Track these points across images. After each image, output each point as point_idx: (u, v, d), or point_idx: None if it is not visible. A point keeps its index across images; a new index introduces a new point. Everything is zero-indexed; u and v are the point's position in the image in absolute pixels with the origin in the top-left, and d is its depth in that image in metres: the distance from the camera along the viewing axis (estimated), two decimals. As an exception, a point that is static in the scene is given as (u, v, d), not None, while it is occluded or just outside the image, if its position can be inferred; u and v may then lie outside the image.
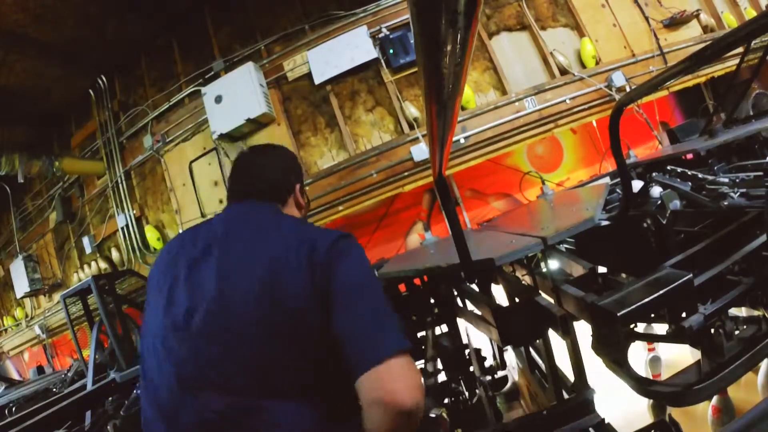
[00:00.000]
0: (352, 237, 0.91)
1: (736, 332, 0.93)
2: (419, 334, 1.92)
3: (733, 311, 0.98)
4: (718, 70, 3.34)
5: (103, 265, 3.84)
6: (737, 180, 1.62)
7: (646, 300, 0.83)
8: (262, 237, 0.89)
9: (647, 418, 1.99)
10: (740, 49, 2.47)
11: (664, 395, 0.90)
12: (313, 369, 0.80)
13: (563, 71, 3.17)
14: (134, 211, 3.70)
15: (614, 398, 1.97)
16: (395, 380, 0.71)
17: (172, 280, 0.89)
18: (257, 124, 3.22)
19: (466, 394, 1.72)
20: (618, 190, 2.12)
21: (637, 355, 2.48)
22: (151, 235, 3.59)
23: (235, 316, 0.80)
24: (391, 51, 3.12)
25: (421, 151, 3.00)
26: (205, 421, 0.76)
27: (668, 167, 2.03)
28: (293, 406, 0.77)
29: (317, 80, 3.21)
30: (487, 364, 1.93)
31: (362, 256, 0.89)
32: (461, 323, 1.90)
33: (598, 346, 1.02)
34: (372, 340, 0.75)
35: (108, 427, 1.72)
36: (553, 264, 1.44)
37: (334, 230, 0.93)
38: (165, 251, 0.98)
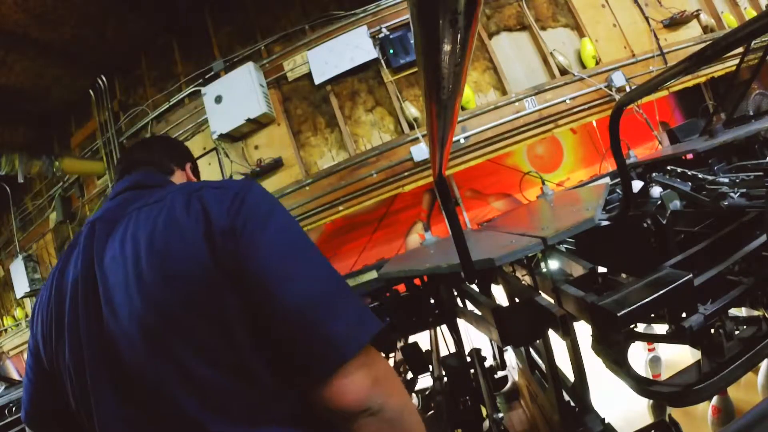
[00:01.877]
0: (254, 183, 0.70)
1: (736, 332, 0.93)
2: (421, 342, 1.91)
3: (733, 311, 0.98)
4: (718, 70, 3.34)
5: (103, 265, 3.83)
6: (737, 180, 1.62)
7: (646, 300, 0.83)
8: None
9: (647, 418, 1.99)
10: (740, 49, 2.47)
11: (664, 395, 0.90)
12: None
13: (563, 71, 3.17)
14: (134, 211, 3.70)
15: (614, 398, 1.97)
16: (361, 388, 0.57)
17: None
18: (257, 124, 3.22)
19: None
20: (618, 190, 2.12)
21: (637, 355, 2.48)
22: (151, 235, 3.59)
23: None
24: (391, 51, 3.12)
25: (421, 151, 3.00)
26: None
27: (668, 167, 2.03)
28: None
29: (317, 80, 3.21)
30: (487, 364, 1.93)
31: (285, 213, 0.66)
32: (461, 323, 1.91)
33: (598, 346, 1.02)
34: (325, 339, 0.57)
35: None
36: (553, 264, 1.44)
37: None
38: None
